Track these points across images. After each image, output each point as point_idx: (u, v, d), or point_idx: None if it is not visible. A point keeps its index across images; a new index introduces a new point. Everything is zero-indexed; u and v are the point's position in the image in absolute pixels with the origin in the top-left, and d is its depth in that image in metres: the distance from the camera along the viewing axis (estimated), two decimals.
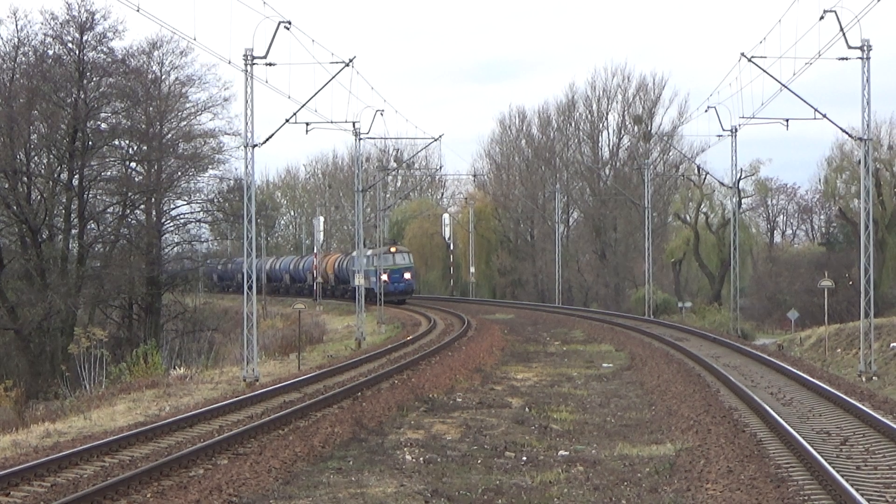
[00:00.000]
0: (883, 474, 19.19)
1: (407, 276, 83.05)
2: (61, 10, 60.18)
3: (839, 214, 79.16)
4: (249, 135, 39.69)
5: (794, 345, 53.39)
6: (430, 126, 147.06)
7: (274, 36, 36.56)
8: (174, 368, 45.58)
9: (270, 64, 37.84)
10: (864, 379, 38.19)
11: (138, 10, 31.30)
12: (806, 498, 16.65)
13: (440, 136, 69.45)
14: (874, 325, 40.26)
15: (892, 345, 41.89)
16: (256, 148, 40.20)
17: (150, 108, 63.41)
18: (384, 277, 77.35)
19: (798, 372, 37.95)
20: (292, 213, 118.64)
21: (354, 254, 77.06)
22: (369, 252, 77.66)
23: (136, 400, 35.44)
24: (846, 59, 28.38)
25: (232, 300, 65.16)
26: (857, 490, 16.30)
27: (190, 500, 16.60)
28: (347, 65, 41.93)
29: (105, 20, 60.51)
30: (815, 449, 21.33)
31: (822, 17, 27.27)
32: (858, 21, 29.47)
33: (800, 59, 33.63)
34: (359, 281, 61.28)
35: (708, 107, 55.08)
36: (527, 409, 30.79)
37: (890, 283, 65.93)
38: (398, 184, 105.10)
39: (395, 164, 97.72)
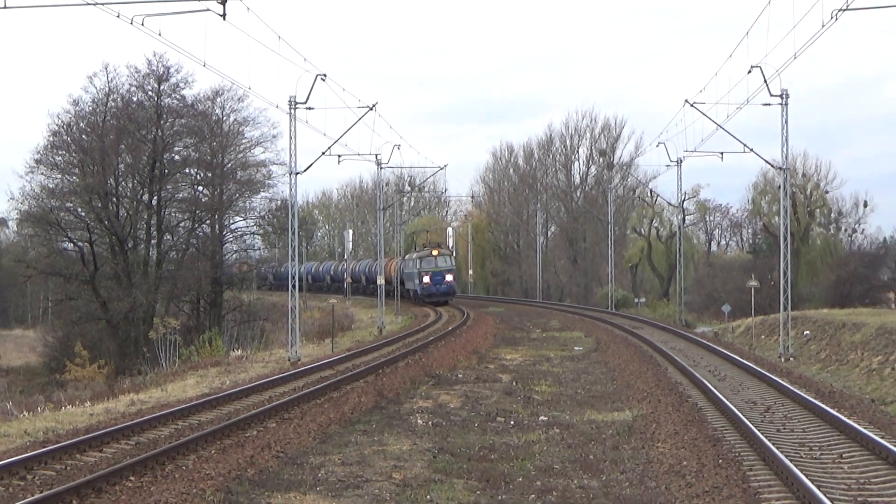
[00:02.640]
0: (798, 435, 19.68)
1: (449, 277, 73.53)
2: (143, 65, 62.35)
3: (763, 228, 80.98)
4: (293, 164, 40.84)
5: (727, 332, 54.03)
6: (437, 157, 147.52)
7: (312, 86, 37.97)
8: (233, 351, 46.26)
9: (310, 108, 39.12)
10: (783, 360, 38.61)
11: (204, 65, 31.40)
12: (737, 455, 16.97)
13: (445, 166, 71.00)
14: (791, 316, 41.07)
15: (805, 332, 42.17)
16: (299, 175, 41.15)
17: (214, 143, 65.36)
18: (426, 280, 73.64)
19: (730, 354, 38.63)
20: (327, 227, 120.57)
21: (407, 257, 79.68)
22: (414, 255, 76.65)
23: (203, 376, 36.24)
24: (769, 104, 29.09)
25: (279, 296, 65.05)
26: (777, 448, 16.71)
27: (245, 455, 16.85)
28: (371, 108, 43.09)
29: (178, 73, 62.79)
30: (744, 415, 21.86)
31: (749, 72, 28.33)
32: (779, 75, 30.27)
33: (732, 105, 34.68)
34: (380, 281, 60.27)
35: (659, 142, 56.84)
36: (514, 383, 30.99)
37: (804, 284, 66.80)
38: (411, 203, 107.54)
39: (409, 188, 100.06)
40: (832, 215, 77.93)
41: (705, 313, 66.41)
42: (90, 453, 17.73)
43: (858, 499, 13.33)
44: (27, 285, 72.65)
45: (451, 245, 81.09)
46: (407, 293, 75.78)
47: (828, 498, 12.62)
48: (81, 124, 62.60)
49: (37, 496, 12.91)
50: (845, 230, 78.14)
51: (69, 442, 18.56)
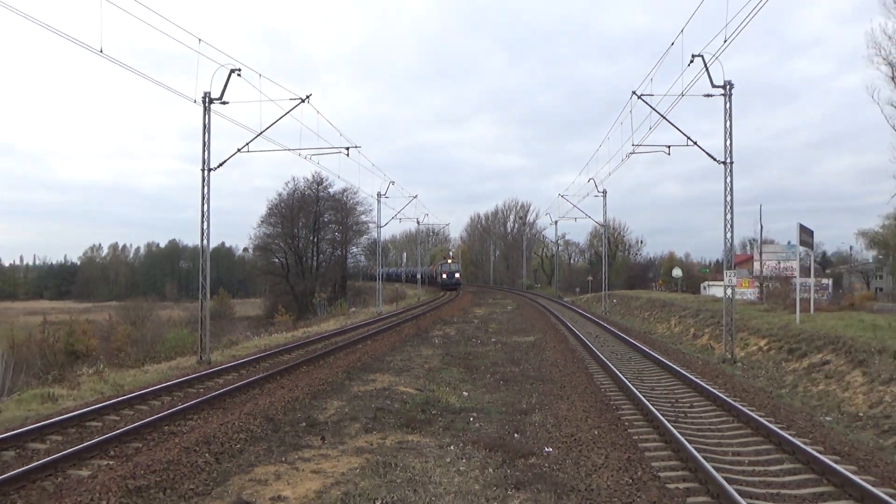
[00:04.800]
0: (611, 346, 26.93)
1: (457, 275, 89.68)
2: (310, 176, 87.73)
3: (594, 253, 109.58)
4: (381, 226, 53.67)
5: (577, 301, 71.69)
6: (446, 218, 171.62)
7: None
8: (350, 308, 60.11)
9: (386, 197, 49.49)
10: (604, 313, 49.68)
11: (339, 177, 45.43)
12: (581, 356, 23.90)
13: (448, 224, 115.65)
14: (608, 294, 57.40)
15: (613, 301, 55.58)
16: (382, 228, 54.60)
17: (342, 212, 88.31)
18: (444, 276, 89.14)
19: (579, 310, 50.73)
20: (394, 250, 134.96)
21: (435, 263, 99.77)
22: (439, 263, 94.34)
23: (337, 320, 47.16)
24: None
25: (372, 283, 75.74)
26: (600, 352, 24.21)
27: (356, 356, 22.97)
28: (413, 197, 60.50)
29: (326, 180, 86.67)
30: (582, 333, 29.86)
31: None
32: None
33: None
34: (420, 275, 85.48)
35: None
36: (480, 324, 39.14)
37: (613, 279, 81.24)
38: (432, 239, 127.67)
39: (433, 233, 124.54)
40: (627, 247, 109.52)
41: (568, 292, 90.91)
42: (283, 356, 24.34)
43: (615, 355, 20.54)
44: (256, 278, 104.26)
45: (451, 260, 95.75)
46: (435, 283, 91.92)
47: (605, 359, 20.70)
48: (283, 203, 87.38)
49: (268, 372, 19.94)
50: (632, 254, 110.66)
51: (278, 349, 25.55)
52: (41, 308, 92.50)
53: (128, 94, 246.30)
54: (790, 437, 11.75)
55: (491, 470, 10.47)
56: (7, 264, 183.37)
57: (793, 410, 15.21)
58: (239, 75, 23.09)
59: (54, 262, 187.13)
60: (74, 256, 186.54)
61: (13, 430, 12.77)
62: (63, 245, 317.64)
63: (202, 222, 24.04)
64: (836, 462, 10.42)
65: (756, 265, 54.12)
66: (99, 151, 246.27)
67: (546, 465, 10.77)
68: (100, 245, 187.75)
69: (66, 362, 34.34)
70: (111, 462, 10.83)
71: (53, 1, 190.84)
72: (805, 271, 31.46)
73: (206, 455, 10.97)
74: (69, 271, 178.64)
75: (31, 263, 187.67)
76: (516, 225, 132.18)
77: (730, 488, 8.87)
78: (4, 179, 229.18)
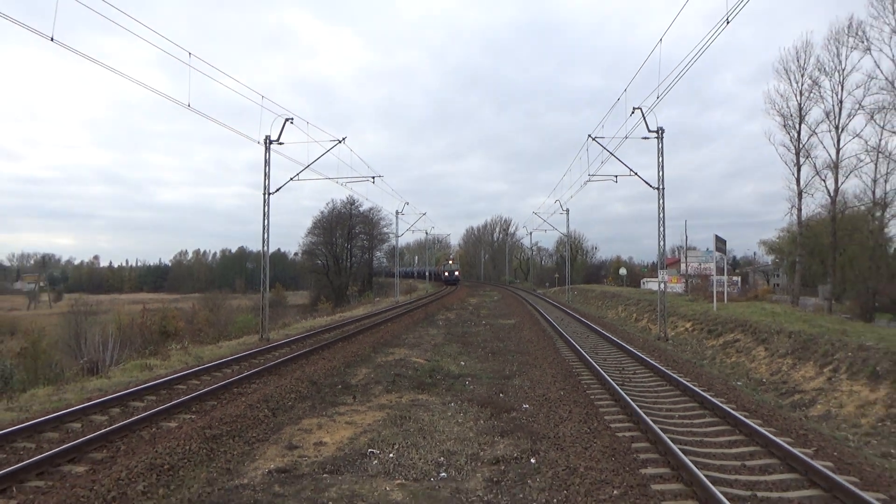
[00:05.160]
0: (570, 326, 26.25)
1: (456, 273, 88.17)
2: (346, 198, 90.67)
3: (560, 256, 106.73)
4: (399, 236, 51.42)
5: (547, 293, 68.09)
6: (447, 229, 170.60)
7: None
8: (375, 299, 59.04)
9: (402, 214, 48.93)
10: (568, 301, 48.82)
11: (367, 199, 43.25)
12: (551, 335, 23.56)
13: (449, 234, 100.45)
14: (570, 287, 56.40)
15: (574, 292, 55.21)
16: (399, 238, 54.47)
17: (368, 227, 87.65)
18: (447, 274, 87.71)
19: (548, 300, 50.35)
20: (408, 254, 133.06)
21: (441, 263, 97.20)
22: (444, 263, 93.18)
23: (365, 307, 45.58)
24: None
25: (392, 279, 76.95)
26: (564, 331, 23.87)
27: (377, 336, 22.95)
28: (423, 214, 55.00)
29: (357, 201, 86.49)
30: (551, 318, 29.49)
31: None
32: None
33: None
34: (428, 273, 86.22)
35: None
36: (473, 310, 38.26)
37: (575, 276, 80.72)
38: (437, 246, 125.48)
39: (438, 241, 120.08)
40: (585, 252, 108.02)
41: (540, 286, 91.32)
42: (324, 334, 24.19)
43: (576, 334, 19.99)
44: (304, 275, 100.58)
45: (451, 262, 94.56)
46: (440, 279, 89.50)
47: (569, 337, 20.44)
48: (324, 219, 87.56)
49: (312, 346, 19.76)
50: (588, 257, 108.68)
51: (320, 329, 25.39)
52: (141, 299, 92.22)
53: (209, 138, 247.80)
54: (710, 397, 11.63)
55: (482, 421, 10.40)
56: (116, 265, 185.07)
57: (712, 377, 15.09)
58: (292, 123, 23.10)
59: (151, 264, 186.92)
60: (166, 259, 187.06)
61: (119, 391, 12.70)
62: (158, 251, 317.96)
63: (263, 233, 23.98)
64: (745, 417, 10.32)
65: (682, 266, 54.13)
66: (187, 180, 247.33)
67: (524, 418, 10.68)
68: (186, 251, 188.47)
69: (160, 340, 34.20)
70: (193, 416, 10.75)
71: (150, 66, 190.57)
72: (720, 271, 31.36)
73: (265, 410, 10.92)
74: (163, 271, 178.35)
75: (133, 265, 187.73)
76: (501, 235, 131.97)
77: (665, 437, 8.77)
78: (115, 202, 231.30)
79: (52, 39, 12.29)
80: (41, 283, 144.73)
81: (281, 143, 23.56)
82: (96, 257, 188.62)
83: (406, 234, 63.35)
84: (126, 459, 8.10)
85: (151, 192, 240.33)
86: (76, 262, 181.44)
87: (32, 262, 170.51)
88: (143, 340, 34.45)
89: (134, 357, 20.92)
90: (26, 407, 11.93)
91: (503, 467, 8.00)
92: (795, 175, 41.53)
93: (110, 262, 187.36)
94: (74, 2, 12.78)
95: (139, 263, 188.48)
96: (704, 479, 6.98)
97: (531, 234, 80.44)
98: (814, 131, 40.44)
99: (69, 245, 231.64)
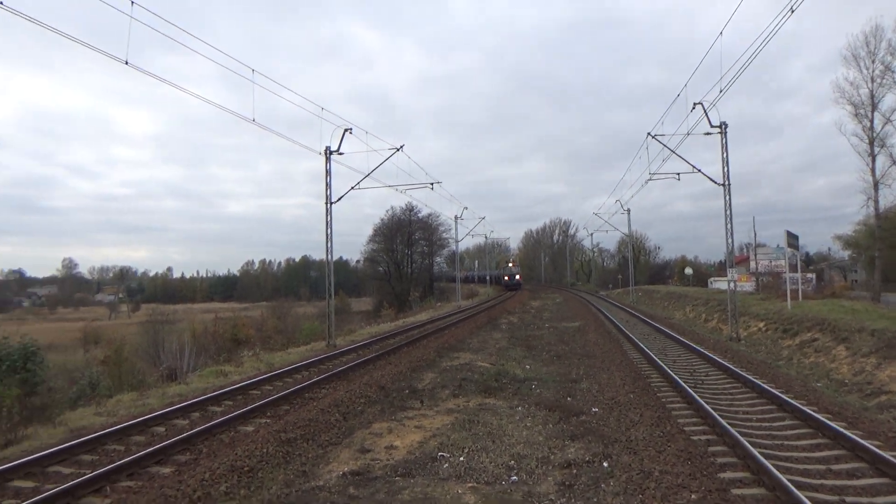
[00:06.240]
0: (639, 329, 25.72)
1: (517, 277, 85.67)
2: (405, 205, 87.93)
3: (623, 257, 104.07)
4: (458, 241, 52.89)
5: (610, 294, 66.93)
6: (506, 233, 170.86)
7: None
8: (437, 304, 58.83)
9: (461, 219, 49.00)
10: (632, 303, 47.81)
11: (426, 206, 43.91)
12: (617, 338, 23.29)
13: (508, 238, 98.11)
14: (634, 288, 54.57)
15: (639, 293, 53.96)
16: (458, 242, 55.65)
17: (428, 233, 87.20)
18: (507, 278, 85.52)
19: (613, 301, 49.30)
20: (468, 259, 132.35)
21: (501, 266, 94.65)
22: (505, 267, 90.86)
23: (427, 312, 45.82)
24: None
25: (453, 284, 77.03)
26: (631, 333, 23.32)
27: (441, 340, 22.85)
28: (482, 218, 58.29)
29: (416, 207, 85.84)
30: (616, 319, 28.81)
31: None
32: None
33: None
34: (488, 277, 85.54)
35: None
36: (536, 313, 38.05)
37: (638, 276, 77.00)
38: (496, 250, 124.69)
39: (497, 245, 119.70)
40: (647, 252, 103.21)
41: (602, 288, 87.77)
42: (389, 340, 24.55)
43: (643, 336, 19.65)
44: (366, 282, 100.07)
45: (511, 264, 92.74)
46: (500, 284, 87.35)
47: (636, 339, 20.16)
48: (384, 226, 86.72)
49: (378, 352, 20.08)
50: (651, 257, 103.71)
51: (385, 335, 25.80)
52: (213, 308, 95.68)
53: (272, 150, 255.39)
54: (789, 399, 11.20)
55: (551, 425, 10.30)
56: (188, 276, 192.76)
57: (789, 378, 14.49)
58: (351, 133, 23.52)
59: (220, 274, 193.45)
60: (235, 269, 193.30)
61: (198, 397, 13.23)
62: (226, 261, 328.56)
63: (327, 242, 24.50)
64: (829, 419, 9.88)
65: (752, 264, 52.33)
66: (252, 192, 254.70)
67: (594, 421, 10.52)
68: (253, 261, 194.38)
69: (232, 347, 35.31)
70: (268, 420, 11.09)
71: (213, 83, 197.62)
72: (793, 268, 30.05)
73: (336, 415, 11.13)
74: (231, 280, 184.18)
75: (204, 275, 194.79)
76: (560, 237, 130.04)
77: (743, 440, 8.50)
78: (186, 215, 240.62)
79: (126, 63, 12.98)
80: (120, 295, 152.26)
81: (341, 154, 24.07)
82: (169, 269, 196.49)
83: (465, 238, 63.89)
84: (208, 461, 8.44)
85: (219, 205, 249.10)
86: (151, 274, 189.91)
87: (111, 274, 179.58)
88: (216, 348, 35.60)
89: (209, 364, 21.73)
90: (113, 411, 12.58)
91: (575, 471, 7.91)
92: (870, 166, 39.49)
93: (182, 273, 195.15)
94: (145, 26, 13.47)
95: (209, 274, 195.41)
96: (788, 483, 6.72)
97: (592, 235, 79.62)
98: (888, 119, 38.41)
99: (144, 258, 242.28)
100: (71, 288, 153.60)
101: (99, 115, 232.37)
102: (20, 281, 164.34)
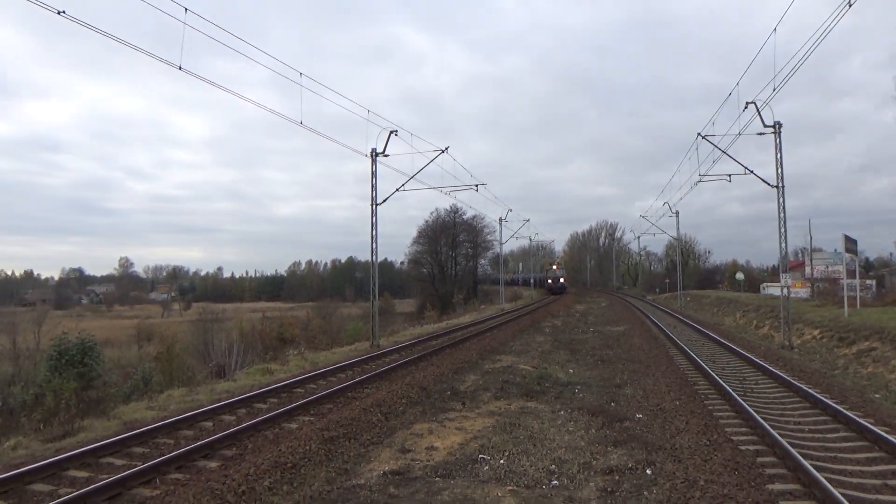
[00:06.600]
0: (686, 334, 25.19)
1: (561, 280, 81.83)
2: (448, 206, 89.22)
3: (670, 261, 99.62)
4: (502, 243, 52.21)
5: (658, 299, 66.34)
6: (551, 235, 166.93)
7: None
8: (480, 306, 58.55)
9: (506, 221, 48.99)
10: (680, 308, 46.96)
11: (470, 207, 45.88)
12: (663, 342, 22.83)
13: (553, 240, 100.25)
14: (682, 293, 54.01)
15: (687, 298, 53.05)
16: (503, 245, 55.62)
17: (472, 235, 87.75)
18: (550, 281, 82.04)
19: (659, 306, 49.23)
20: (512, 261, 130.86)
21: (545, 269, 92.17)
22: (548, 268, 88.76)
23: (470, 315, 45.96)
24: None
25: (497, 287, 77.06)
26: (677, 338, 22.99)
27: (483, 343, 22.94)
28: (526, 221, 54.01)
29: (460, 209, 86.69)
30: (663, 324, 28.40)
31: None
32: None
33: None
34: (532, 280, 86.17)
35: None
36: (580, 317, 37.61)
37: (686, 281, 73.03)
38: (541, 252, 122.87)
39: (542, 248, 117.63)
40: (696, 256, 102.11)
41: (649, 292, 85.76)
42: (432, 341, 24.63)
43: (690, 341, 19.16)
44: (410, 284, 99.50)
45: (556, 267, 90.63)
46: (544, 287, 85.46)
47: (683, 344, 19.65)
48: (429, 228, 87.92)
49: (421, 353, 20.15)
50: (700, 262, 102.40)
51: (428, 336, 25.96)
52: (260, 307, 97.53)
53: (319, 152, 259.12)
54: (844, 410, 10.78)
55: (593, 430, 10.18)
56: (237, 276, 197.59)
57: (845, 388, 13.95)
58: (396, 135, 23.73)
59: (268, 274, 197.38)
60: (282, 270, 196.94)
61: (244, 394, 13.53)
62: (274, 262, 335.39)
63: (372, 243, 24.76)
64: (886, 432, 9.46)
65: (807, 269, 50.70)
66: (299, 194, 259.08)
67: (637, 428, 10.35)
68: (300, 261, 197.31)
69: (278, 346, 35.97)
70: (311, 418, 11.27)
71: (263, 86, 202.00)
72: (851, 273, 28.92)
73: (378, 414, 11.24)
74: (279, 280, 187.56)
75: (252, 275, 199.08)
76: (606, 240, 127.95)
77: (794, 451, 8.23)
78: (237, 216, 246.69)
79: (180, 68, 13.42)
80: (172, 294, 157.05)
81: (386, 155, 24.29)
82: (220, 268, 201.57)
83: (509, 241, 63.53)
84: (253, 457, 8.63)
85: (268, 207, 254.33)
86: (202, 273, 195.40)
87: (165, 273, 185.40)
88: (263, 346, 36.35)
89: (256, 362, 22.22)
90: (164, 406, 12.98)
91: (617, 477, 7.79)
92: None
93: (232, 273, 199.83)
94: (199, 32, 13.88)
95: (257, 274, 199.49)
96: (840, 497, 6.47)
97: (639, 238, 78.15)
98: None
99: (197, 257, 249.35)
100: (127, 286, 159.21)
101: (155, 118, 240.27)
102: (80, 279, 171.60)
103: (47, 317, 49.93)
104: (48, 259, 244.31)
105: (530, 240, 74.12)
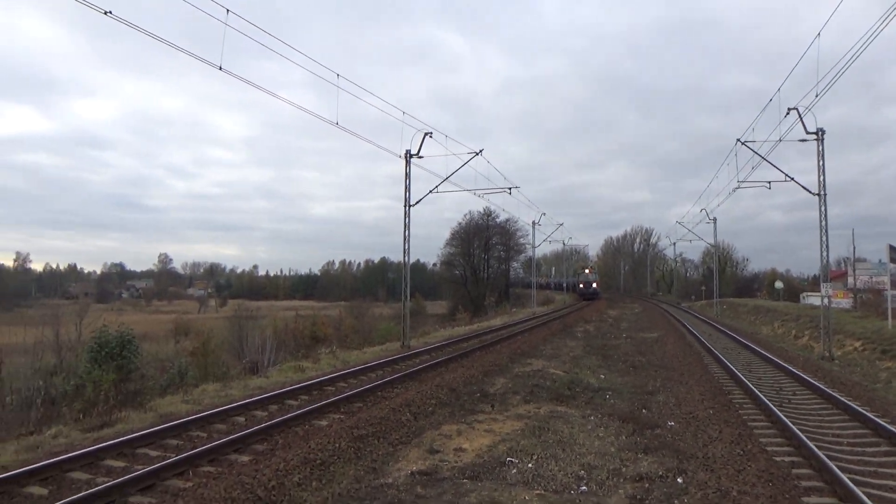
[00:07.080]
0: (722, 343, 24.79)
1: (594, 286, 77.90)
2: (482, 209, 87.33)
3: (707, 268, 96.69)
4: (535, 247, 51.75)
5: (693, 306, 64.36)
6: (585, 240, 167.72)
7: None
8: (512, 309, 58.49)
9: (539, 225, 49.22)
10: (717, 315, 45.77)
11: (503, 210, 45.39)
12: (698, 350, 22.55)
13: (587, 245, 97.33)
14: (718, 301, 52.13)
15: (723, 306, 52.47)
16: (536, 248, 54.10)
17: (505, 238, 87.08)
18: (581, 286, 78.80)
19: (694, 313, 47.81)
20: (545, 265, 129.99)
21: (577, 273, 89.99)
22: (580, 273, 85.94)
23: (502, 318, 45.96)
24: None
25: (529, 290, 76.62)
26: (712, 347, 22.60)
27: (514, 346, 22.80)
28: (560, 224, 53.66)
29: (494, 212, 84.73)
30: (697, 332, 27.97)
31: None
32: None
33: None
34: (564, 285, 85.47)
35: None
36: (613, 322, 37.23)
37: (724, 288, 69.62)
38: (574, 257, 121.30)
39: (576, 252, 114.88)
40: (734, 263, 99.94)
41: (684, 299, 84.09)
42: (462, 343, 24.52)
43: (726, 350, 18.80)
44: (442, 285, 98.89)
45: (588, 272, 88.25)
46: (576, 292, 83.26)
47: (718, 353, 19.41)
48: (462, 230, 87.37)
49: (451, 354, 20.20)
50: (738, 269, 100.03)
51: (458, 338, 25.79)
52: (294, 306, 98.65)
53: (354, 153, 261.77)
54: (885, 424, 10.45)
55: (624, 437, 10.06)
56: (272, 274, 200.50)
57: (887, 402, 13.50)
58: (431, 137, 23.81)
59: (302, 273, 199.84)
60: (316, 269, 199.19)
61: (276, 390, 13.73)
62: (309, 261, 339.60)
63: (405, 244, 24.88)
64: None
65: (850, 279, 49.31)
66: (334, 194, 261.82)
67: (669, 435, 10.19)
68: (333, 261, 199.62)
69: (310, 344, 36.41)
70: (341, 416, 11.37)
71: (301, 87, 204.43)
72: (895, 284, 28.01)
73: (407, 414, 11.28)
74: (313, 279, 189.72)
75: (287, 274, 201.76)
76: (641, 246, 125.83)
77: (831, 464, 8.01)
78: (273, 215, 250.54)
79: (220, 68, 13.69)
80: (209, 290, 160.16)
81: (420, 157, 24.38)
82: (255, 266, 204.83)
83: (542, 244, 62.32)
84: (283, 452, 8.75)
85: (303, 206, 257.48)
86: (238, 271, 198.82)
87: (202, 270, 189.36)
88: (295, 344, 36.87)
89: (288, 359, 22.51)
90: (198, 400, 13.24)
91: (647, 485, 7.69)
92: None
93: (267, 271, 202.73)
94: (239, 33, 14.14)
95: (292, 272, 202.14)
96: None
97: (675, 244, 76.63)
98: None
99: (233, 255, 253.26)
100: (165, 282, 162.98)
101: (195, 117, 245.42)
102: (121, 274, 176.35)
103: (89, 310, 51.32)
104: (90, 254, 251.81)
105: (563, 244, 73.46)
